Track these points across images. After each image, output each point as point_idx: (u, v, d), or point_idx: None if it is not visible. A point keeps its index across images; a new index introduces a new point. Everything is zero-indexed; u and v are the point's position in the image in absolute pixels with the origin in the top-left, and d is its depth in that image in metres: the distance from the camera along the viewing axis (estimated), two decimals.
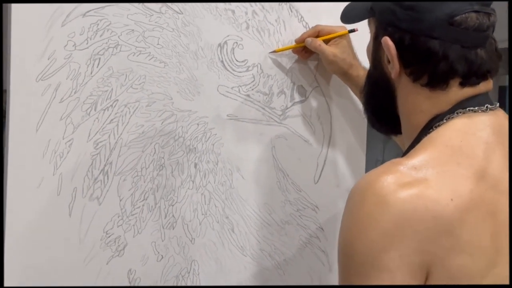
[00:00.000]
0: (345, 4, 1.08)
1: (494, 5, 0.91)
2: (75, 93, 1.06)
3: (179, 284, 1.18)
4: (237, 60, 1.22)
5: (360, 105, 1.25)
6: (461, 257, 0.80)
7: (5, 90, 1.02)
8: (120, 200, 1.12)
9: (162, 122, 1.15)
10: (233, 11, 1.21)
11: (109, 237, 1.11)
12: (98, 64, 1.08)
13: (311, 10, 1.29)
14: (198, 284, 1.20)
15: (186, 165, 1.18)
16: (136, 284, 1.14)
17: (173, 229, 1.17)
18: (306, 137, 1.30)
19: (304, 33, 1.27)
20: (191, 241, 1.19)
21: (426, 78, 0.89)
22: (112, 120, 1.10)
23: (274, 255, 1.28)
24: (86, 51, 1.07)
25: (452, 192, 0.81)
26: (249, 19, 1.23)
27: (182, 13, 1.16)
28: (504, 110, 0.95)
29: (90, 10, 1.07)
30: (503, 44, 1.02)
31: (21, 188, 1.03)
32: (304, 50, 1.28)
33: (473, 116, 0.89)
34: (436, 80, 0.89)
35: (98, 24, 1.08)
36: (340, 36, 1.26)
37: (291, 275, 1.30)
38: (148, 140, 1.14)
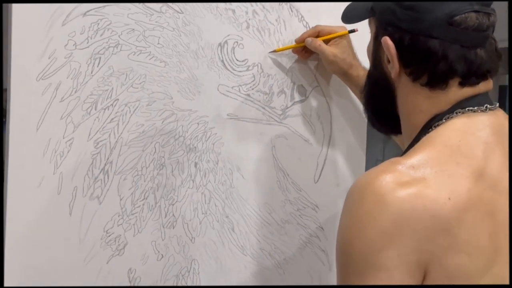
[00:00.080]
0: (345, 4, 1.08)
1: (494, 5, 0.91)
2: (75, 92, 1.06)
3: (179, 283, 1.18)
4: (237, 60, 1.22)
5: (360, 104, 1.25)
6: (459, 257, 0.80)
7: (5, 89, 1.02)
8: (121, 199, 1.12)
9: (163, 122, 1.15)
10: (233, 11, 1.21)
11: (109, 236, 1.11)
12: (99, 64, 1.08)
13: (311, 10, 1.29)
14: (198, 283, 1.20)
15: (186, 164, 1.18)
16: (136, 283, 1.14)
17: (173, 228, 1.17)
18: (306, 136, 1.31)
19: (304, 33, 1.27)
20: (191, 240, 1.19)
21: (425, 78, 0.89)
22: (112, 119, 1.10)
23: (274, 254, 1.28)
24: (86, 50, 1.07)
25: (451, 192, 0.81)
26: (249, 19, 1.23)
27: (183, 13, 1.16)
28: (504, 109, 0.95)
29: (91, 10, 1.07)
30: (503, 43, 1.02)
31: (21, 187, 1.03)
32: (304, 50, 1.28)
33: (472, 116, 0.89)
34: (436, 80, 0.89)
35: (98, 24, 1.08)
36: (340, 36, 1.26)
37: (291, 274, 1.30)
38: (148, 139, 1.14)
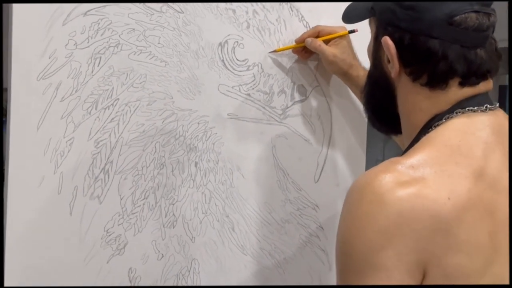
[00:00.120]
0: (346, 4, 1.08)
1: (494, 5, 0.91)
2: (76, 92, 1.06)
3: (179, 283, 1.18)
4: (237, 59, 1.22)
5: (360, 104, 1.25)
6: (458, 256, 0.81)
7: (6, 89, 1.02)
8: (121, 199, 1.12)
9: (163, 121, 1.15)
10: (233, 11, 1.21)
11: (109, 235, 1.11)
12: (99, 63, 1.08)
13: (311, 10, 1.29)
14: (198, 283, 1.20)
15: (186, 164, 1.18)
16: (136, 283, 1.14)
17: (173, 228, 1.17)
18: (307, 136, 1.31)
19: (304, 33, 1.27)
20: (191, 240, 1.19)
21: (425, 78, 0.90)
22: (113, 119, 1.10)
23: (274, 254, 1.28)
24: (87, 50, 1.07)
25: (450, 191, 0.81)
26: (249, 19, 1.23)
27: (183, 12, 1.16)
28: (504, 109, 0.95)
29: (91, 9, 1.07)
30: (503, 43, 1.02)
31: (21, 187, 1.03)
32: (304, 50, 1.28)
33: (472, 116, 0.89)
34: (436, 79, 0.89)
35: (99, 23, 1.08)
36: (340, 37, 1.26)
37: (291, 274, 1.30)
38: (148, 139, 1.14)
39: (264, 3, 1.24)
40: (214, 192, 1.21)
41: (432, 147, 0.86)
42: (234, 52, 1.21)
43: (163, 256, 1.16)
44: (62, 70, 1.05)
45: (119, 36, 1.10)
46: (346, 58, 1.25)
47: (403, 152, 0.92)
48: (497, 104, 0.93)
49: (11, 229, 1.02)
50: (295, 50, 1.28)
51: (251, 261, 1.26)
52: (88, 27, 1.07)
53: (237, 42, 1.22)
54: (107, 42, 1.09)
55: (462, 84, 0.89)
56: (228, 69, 1.21)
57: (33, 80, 1.03)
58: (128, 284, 1.13)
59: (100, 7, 1.08)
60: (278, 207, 1.28)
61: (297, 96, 1.29)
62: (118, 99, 1.10)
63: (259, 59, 1.25)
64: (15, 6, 1.00)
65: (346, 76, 1.27)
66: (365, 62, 1.13)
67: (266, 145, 1.26)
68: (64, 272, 1.07)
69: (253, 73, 1.24)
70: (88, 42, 1.07)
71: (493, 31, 0.90)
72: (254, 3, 1.23)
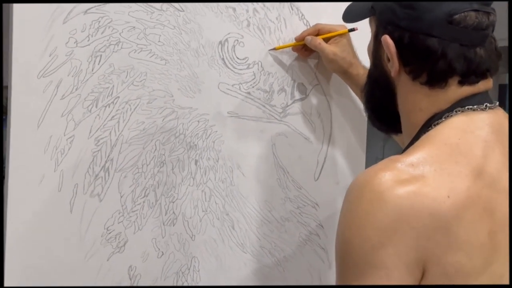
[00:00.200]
0: (345, 3, 1.09)
1: (494, 4, 0.91)
2: (76, 90, 1.07)
3: (179, 281, 1.18)
4: (237, 58, 1.22)
5: (360, 103, 1.26)
6: (458, 255, 0.81)
7: (6, 87, 1.03)
8: (121, 197, 1.12)
9: (163, 119, 1.15)
10: (234, 9, 1.21)
11: (109, 233, 1.11)
12: (100, 61, 1.08)
13: (312, 9, 1.29)
14: (198, 281, 1.20)
15: (186, 162, 1.18)
16: (136, 281, 1.14)
17: (173, 225, 1.17)
18: (307, 134, 1.31)
19: (304, 31, 1.27)
20: (191, 237, 1.19)
21: (425, 77, 0.90)
22: (113, 117, 1.10)
23: (274, 252, 1.28)
24: (87, 48, 1.07)
25: (450, 190, 0.81)
26: (250, 17, 1.23)
27: (183, 11, 1.16)
28: (504, 108, 0.95)
29: (92, 8, 1.07)
30: (502, 42, 1.02)
31: (22, 185, 1.03)
32: (304, 49, 1.28)
33: (472, 114, 0.89)
34: (435, 78, 0.89)
35: (99, 21, 1.08)
36: (340, 35, 1.26)
37: (291, 272, 1.30)
38: (149, 137, 1.14)
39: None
40: (214, 190, 1.21)
41: (432, 145, 0.86)
42: (234, 50, 1.22)
43: (163, 254, 1.17)
44: (62, 68, 1.05)
45: (120, 34, 1.10)
46: (346, 56, 1.25)
47: (403, 150, 0.93)
48: (497, 103, 0.93)
49: (11, 228, 1.02)
50: (295, 48, 1.28)
51: (251, 259, 1.26)
52: (89, 25, 1.07)
53: (237, 40, 1.22)
54: (108, 40, 1.09)
55: (462, 82, 0.89)
56: (228, 67, 1.21)
57: (33, 78, 1.03)
58: (129, 282, 1.13)
59: (100, 5, 1.08)
60: (278, 205, 1.28)
61: (297, 95, 1.29)
62: (119, 97, 1.10)
63: (259, 58, 1.25)
64: (16, 6, 1.00)
65: (346, 74, 1.27)
66: (365, 61, 1.13)
67: (266, 143, 1.27)
68: (64, 271, 1.07)
69: (253, 72, 1.24)
70: (88, 40, 1.07)
71: (492, 30, 0.90)
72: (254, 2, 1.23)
